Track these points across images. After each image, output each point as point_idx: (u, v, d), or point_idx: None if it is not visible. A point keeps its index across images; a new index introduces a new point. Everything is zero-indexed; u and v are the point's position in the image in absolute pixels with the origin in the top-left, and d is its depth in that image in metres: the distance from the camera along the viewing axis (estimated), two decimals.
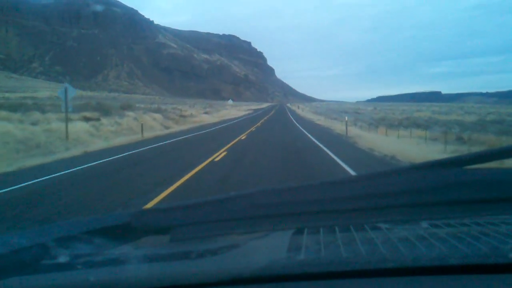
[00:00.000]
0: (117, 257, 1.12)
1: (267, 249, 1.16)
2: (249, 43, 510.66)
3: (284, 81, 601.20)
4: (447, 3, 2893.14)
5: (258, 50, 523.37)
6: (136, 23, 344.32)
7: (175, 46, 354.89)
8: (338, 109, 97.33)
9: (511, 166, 1.24)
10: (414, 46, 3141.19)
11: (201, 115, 51.74)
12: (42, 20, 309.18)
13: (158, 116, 32.47)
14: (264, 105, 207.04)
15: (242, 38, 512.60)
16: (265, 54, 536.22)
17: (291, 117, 61.16)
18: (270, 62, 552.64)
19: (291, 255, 1.05)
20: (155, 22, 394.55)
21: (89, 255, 1.10)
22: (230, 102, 77.95)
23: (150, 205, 6.92)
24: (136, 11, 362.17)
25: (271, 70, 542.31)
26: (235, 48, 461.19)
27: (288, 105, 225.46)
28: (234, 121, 45.29)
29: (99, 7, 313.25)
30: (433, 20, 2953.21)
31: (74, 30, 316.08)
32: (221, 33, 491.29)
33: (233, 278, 0.96)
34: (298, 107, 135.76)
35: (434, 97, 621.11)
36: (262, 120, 46.25)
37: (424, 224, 1.25)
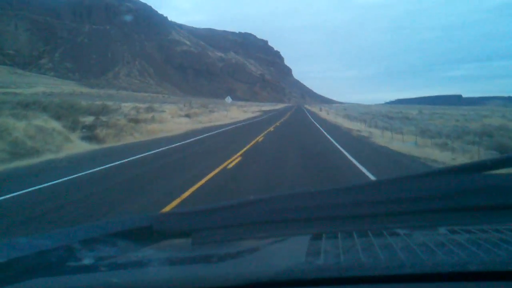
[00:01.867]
0: (139, 259, 1.13)
1: (286, 254, 1.15)
2: (265, 42, 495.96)
3: (302, 81, 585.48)
4: (468, 4, 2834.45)
5: (275, 49, 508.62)
6: (149, 19, 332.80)
7: (188, 43, 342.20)
8: (370, 113, 79.33)
9: None
10: (434, 48, 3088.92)
11: (177, 118, 35.38)
12: (53, 15, 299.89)
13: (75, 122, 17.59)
14: (279, 106, 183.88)
15: (259, 36, 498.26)
16: (282, 54, 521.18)
17: (320, 128, 32.85)
18: (287, 62, 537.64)
19: (310, 260, 1.04)
20: (169, 19, 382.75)
21: (113, 257, 1.13)
22: (228, 100, 52.47)
23: None
24: (150, 6, 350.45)
25: (288, 70, 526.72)
26: (251, 47, 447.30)
27: (307, 106, 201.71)
28: (214, 133, 25.94)
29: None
30: (453, 21, 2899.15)
31: (86, 25, 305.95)
32: (237, 31, 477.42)
33: (252, 282, 0.96)
34: (321, 109, 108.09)
35: (454, 100, 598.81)
36: (266, 132, 26.42)
37: (443, 230, 1.23)
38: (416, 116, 66.03)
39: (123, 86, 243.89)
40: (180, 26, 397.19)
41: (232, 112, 59.51)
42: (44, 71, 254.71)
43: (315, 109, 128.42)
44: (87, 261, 1.08)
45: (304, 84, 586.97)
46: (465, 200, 1.12)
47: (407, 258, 0.99)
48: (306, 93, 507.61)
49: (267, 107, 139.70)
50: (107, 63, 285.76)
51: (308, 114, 77.61)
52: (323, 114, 76.49)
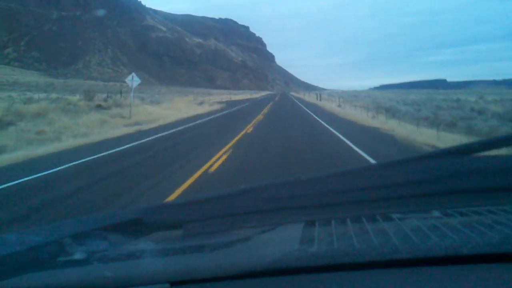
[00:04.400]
0: (131, 252, 1.12)
1: (279, 242, 1.14)
2: (247, 28, 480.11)
3: (285, 68, 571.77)
4: None
5: (257, 35, 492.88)
6: (122, 4, 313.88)
7: (164, 29, 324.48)
8: (365, 99, 64.49)
9: None
10: (416, 33, 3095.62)
11: None
12: (17, 1, 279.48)
13: None
14: (260, 94, 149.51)
15: (240, 22, 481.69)
16: (264, 40, 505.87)
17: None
18: (270, 49, 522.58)
19: (303, 248, 1.03)
20: (144, 4, 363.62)
21: (104, 251, 1.11)
22: (132, 82, 23.70)
23: None
24: None
25: (271, 57, 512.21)
26: (232, 33, 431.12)
27: (293, 93, 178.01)
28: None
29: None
30: (433, 6, 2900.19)
31: (54, 12, 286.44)
32: (217, 17, 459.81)
33: (246, 271, 0.95)
34: (318, 97, 77.44)
35: (439, 85, 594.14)
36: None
37: (437, 214, 1.22)
38: (411, 101, 51.89)
39: (93, 76, 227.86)
40: (156, 12, 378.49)
41: (178, 103, 40.84)
42: (9, 61, 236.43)
43: (309, 98, 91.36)
44: (78, 255, 1.08)
45: (288, 71, 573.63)
46: (457, 182, 1.13)
47: (401, 243, 0.99)
48: (290, 80, 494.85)
49: (241, 95, 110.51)
50: (77, 52, 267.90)
51: (310, 112, 35.82)
52: (331, 107, 45.79)
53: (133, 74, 24.49)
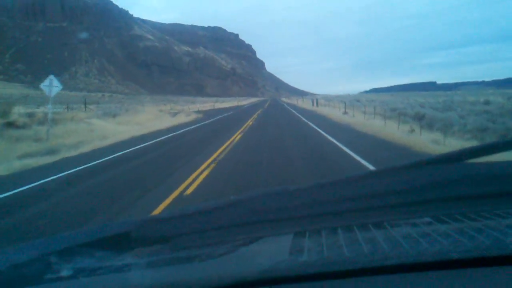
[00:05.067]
0: (119, 267, 1.11)
1: (269, 253, 1.14)
2: (236, 35, 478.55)
3: (275, 75, 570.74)
4: None
5: (246, 42, 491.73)
6: (109, 14, 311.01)
7: (152, 38, 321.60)
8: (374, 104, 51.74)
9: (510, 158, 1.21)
10: (405, 37, 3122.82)
11: None
12: (2, 13, 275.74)
13: None
14: (250, 101, 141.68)
15: (229, 30, 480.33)
16: (254, 47, 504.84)
17: None
18: (260, 56, 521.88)
19: (293, 257, 1.04)
20: (132, 14, 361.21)
21: (91, 267, 1.10)
22: (49, 89, 18.32)
23: None
24: (110, 1, 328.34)
25: (261, 64, 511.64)
26: (221, 41, 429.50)
27: (285, 99, 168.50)
28: None
29: (84, 35, 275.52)
30: (421, 10, 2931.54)
31: (40, 23, 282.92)
32: (206, 26, 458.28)
33: (236, 281, 0.95)
34: (314, 103, 65.73)
35: (429, 87, 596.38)
36: None
37: (428, 220, 1.22)
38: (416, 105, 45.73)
39: (79, 87, 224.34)
40: (144, 21, 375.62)
41: (145, 115, 33.51)
42: None
43: (304, 104, 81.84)
44: (65, 272, 1.06)
45: (278, 77, 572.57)
46: (448, 190, 1.13)
47: (391, 250, 0.99)
48: (281, 87, 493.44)
49: (227, 103, 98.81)
50: (63, 63, 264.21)
51: (314, 125, 25.89)
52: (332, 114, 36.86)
53: (51, 77, 18.43)
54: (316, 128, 23.07)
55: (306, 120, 30.56)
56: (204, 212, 1.23)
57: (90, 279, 1.04)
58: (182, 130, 23.78)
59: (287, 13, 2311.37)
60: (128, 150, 15.24)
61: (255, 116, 38.70)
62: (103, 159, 13.13)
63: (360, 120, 27.11)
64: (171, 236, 1.19)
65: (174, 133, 22.06)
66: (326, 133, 19.40)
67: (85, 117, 27.88)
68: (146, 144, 17.14)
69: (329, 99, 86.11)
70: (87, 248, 1.17)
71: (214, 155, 12.98)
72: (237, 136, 18.94)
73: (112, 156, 13.86)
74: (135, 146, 16.51)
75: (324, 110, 46.98)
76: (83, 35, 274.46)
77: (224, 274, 0.98)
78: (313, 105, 65.37)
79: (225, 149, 14.55)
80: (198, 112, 48.91)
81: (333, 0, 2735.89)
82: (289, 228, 1.19)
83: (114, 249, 1.19)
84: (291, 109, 55.32)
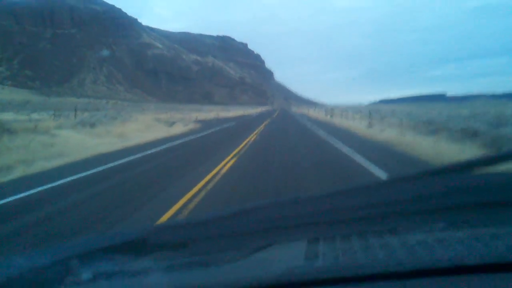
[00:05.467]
0: (137, 271, 1.13)
1: (284, 258, 1.14)
2: (245, 45, 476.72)
3: (284, 85, 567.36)
4: (446, 6, 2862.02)
5: (255, 52, 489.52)
6: (118, 22, 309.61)
7: (160, 46, 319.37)
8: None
9: None
10: (416, 49, 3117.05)
11: None
12: (11, 19, 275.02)
13: None
14: (257, 110, 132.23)
15: (238, 39, 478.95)
16: (262, 57, 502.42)
17: None
18: (269, 66, 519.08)
19: (308, 263, 1.04)
20: (142, 22, 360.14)
21: (111, 271, 1.12)
22: None
23: None
24: (119, 9, 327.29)
25: (269, 73, 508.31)
26: (230, 50, 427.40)
27: (294, 109, 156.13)
28: None
29: (105, 52, 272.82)
30: (433, 23, 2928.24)
31: (48, 30, 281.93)
32: (215, 35, 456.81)
33: (252, 286, 0.95)
34: (328, 113, 59.68)
35: (439, 99, 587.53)
36: None
37: (442, 226, 1.22)
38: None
39: (87, 94, 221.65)
40: (152, 30, 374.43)
41: (138, 124, 28.81)
42: (1, 80, 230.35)
43: (315, 113, 72.82)
44: (85, 276, 1.08)
45: (287, 87, 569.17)
46: (463, 197, 1.14)
47: (406, 255, 0.99)
48: (289, 96, 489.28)
49: (233, 112, 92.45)
50: (71, 70, 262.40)
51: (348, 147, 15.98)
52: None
53: None
54: (348, 150, 14.96)
55: (324, 134, 24.03)
56: (220, 219, 1.24)
57: (109, 283, 1.07)
58: (163, 147, 17.95)
59: (296, 24, 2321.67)
60: (66, 180, 9.89)
61: (261, 127, 32.27)
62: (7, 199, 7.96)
63: (396, 137, 19.66)
64: (188, 241, 1.20)
65: (151, 151, 16.30)
66: (371, 162, 11.59)
67: (53, 127, 22.78)
68: (100, 168, 11.75)
69: (342, 110, 76.41)
70: (107, 252, 1.19)
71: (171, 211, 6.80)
72: (227, 164, 11.97)
73: (31, 192, 8.65)
74: (84, 171, 11.18)
75: (343, 122, 38.72)
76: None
77: (240, 279, 0.99)
78: (326, 115, 58.93)
79: (196, 194, 8.04)
80: (198, 121, 42.80)
81: (342, 12, 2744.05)
82: (303, 234, 1.20)
83: (133, 254, 1.21)
84: (303, 120, 48.19)
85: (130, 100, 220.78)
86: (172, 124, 34.35)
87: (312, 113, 78.80)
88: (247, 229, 1.19)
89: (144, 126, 28.83)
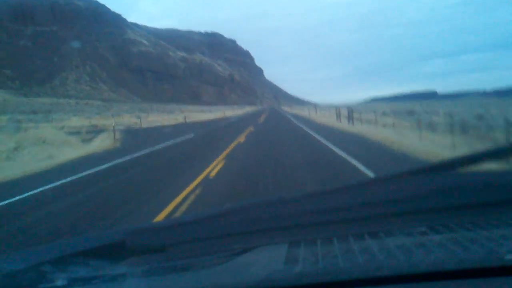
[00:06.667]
0: (114, 276, 1.09)
1: (264, 263, 1.12)
2: (234, 41, 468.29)
3: (274, 83, 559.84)
4: (431, 0, 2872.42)
5: (244, 49, 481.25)
6: (101, 18, 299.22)
7: (146, 43, 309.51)
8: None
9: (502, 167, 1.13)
10: (404, 45, 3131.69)
11: None
12: None
13: None
14: (244, 110, 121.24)
15: (227, 36, 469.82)
16: (252, 54, 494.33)
17: None
18: (258, 63, 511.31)
19: (288, 267, 1.03)
20: (126, 18, 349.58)
21: (86, 276, 1.09)
22: None
23: None
24: (102, 4, 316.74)
25: (259, 71, 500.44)
26: (219, 47, 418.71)
27: (286, 108, 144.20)
28: None
29: (76, 44, 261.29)
30: (419, 17, 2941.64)
31: (29, 27, 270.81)
32: (203, 31, 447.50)
33: None
34: (338, 115, 39.66)
35: (430, 96, 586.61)
36: None
37: (423, 230, 1.21)
38: None
39: (69, 94, 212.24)
40: (138, 26, 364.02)
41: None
42: None
43: (324, 118, 45.75)
44: (59, 282, 1.04)
45: (277, 85, 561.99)
46: (443, 199, 1.13)
47: (385, 260, 0.99)
48: (280, 95, 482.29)
49: (213, 113, 78.56)
50: (53, 69, 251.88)
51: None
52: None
53: None
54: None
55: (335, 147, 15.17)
56: (199, 221, 1.21)
57: None
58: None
59: (286, 20, 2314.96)
60: None
61: (235, 143, 18.93)
62: None
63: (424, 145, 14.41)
64: (166, 245, 1.17)
65: None
66: None
67: None
68: None
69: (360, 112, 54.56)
70: (82, 257, 1.15)
71: None
72: None
73: None
74: None
75: (368, 130, 24.84)
76: (75, 43, 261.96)
77: (219, 284, 0.97)
78: (339, 119, 40.90)
79: None
80: (130, 133, 30.29)
81: (332, 8, 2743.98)
82: (284, 237, 1.18)
83: (109, 258, 1.17)
84: (308, 129, 28.37)
85: (114, 100, 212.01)
86: (91, 139, 24.47)
87: (316, 116, 52.51)
88: (227, 231, 1.17)
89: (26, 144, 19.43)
